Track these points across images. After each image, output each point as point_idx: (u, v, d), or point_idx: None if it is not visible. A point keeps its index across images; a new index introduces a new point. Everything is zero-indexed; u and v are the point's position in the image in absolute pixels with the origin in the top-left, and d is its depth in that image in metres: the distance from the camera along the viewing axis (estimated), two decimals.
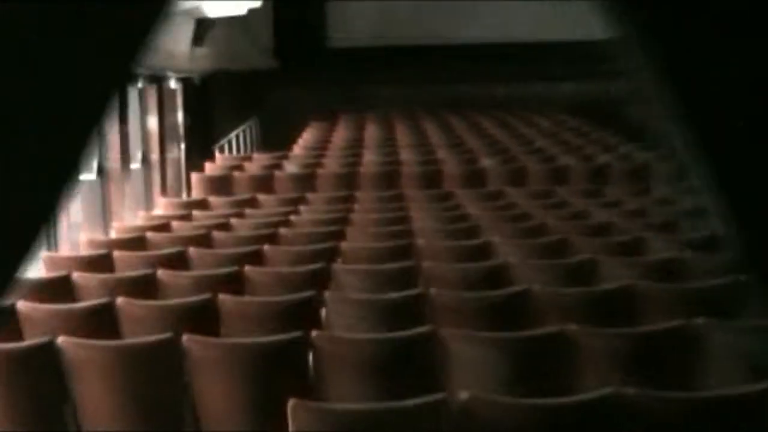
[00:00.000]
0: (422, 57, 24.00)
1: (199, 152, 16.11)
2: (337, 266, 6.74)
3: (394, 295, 5.64)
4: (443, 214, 9.75)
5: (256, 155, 15.99)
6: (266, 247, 7.59)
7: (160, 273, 6.49)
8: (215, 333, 5.31)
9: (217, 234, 8.57)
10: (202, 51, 17.83)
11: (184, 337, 4.54)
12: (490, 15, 24.08)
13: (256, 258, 7.32)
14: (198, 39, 17.27)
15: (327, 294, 5.66)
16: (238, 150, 18.96)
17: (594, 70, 23.22)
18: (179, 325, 5.21)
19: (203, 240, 8.31)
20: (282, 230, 8.67)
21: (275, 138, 19.73)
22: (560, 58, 23.12)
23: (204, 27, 17.01)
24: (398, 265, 6.72)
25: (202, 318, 5.47)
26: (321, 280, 6.46)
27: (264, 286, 6.42)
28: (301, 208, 10.60)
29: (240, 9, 17.65)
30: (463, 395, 3.61)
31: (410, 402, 3.60)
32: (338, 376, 4.50)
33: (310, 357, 4.57)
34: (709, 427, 3.69)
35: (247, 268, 6.58)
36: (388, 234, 8.43)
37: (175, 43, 15.37)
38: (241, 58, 22.86)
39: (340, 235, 8.36)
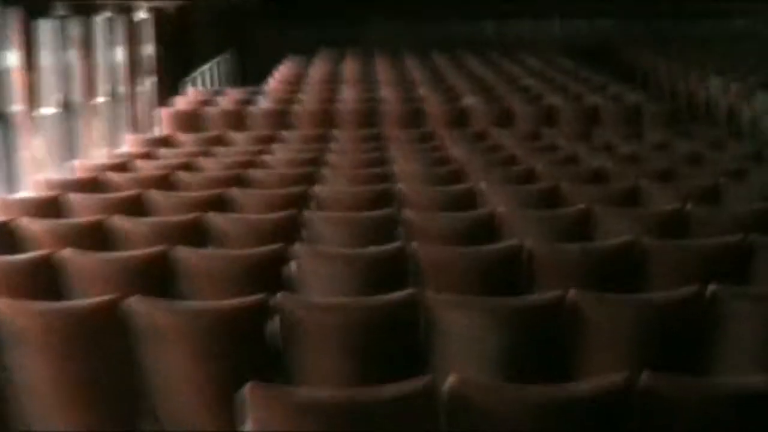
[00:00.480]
0: None
1: (172, 86, 15.41)
2: (310, 214, 6.13)
3: (372, 249, 5.04)
4: (426, 156, 9.13)
5: (229, 90, 15.26)
6: (233, 190, 6.97)
7: (113, 220, 5.87)
8: (170, 293, 4.72)
9: (181, 175, 7.92)
10: None
11: (129, 300, 3.94)
12: None
13: (222, 203, 6.70)
14: None
15: (297, 247, 5.05)
16: (211, 84, 18.22)
17: (585, 10, 23.05)
18: (129, 284, 4.62)
19: (165, 182, 7.66)
20: (251, 172, 8.03)
21: (252, 73, 19.01)
22: None
23: None
24: (377, 213, 6.11)
25: (156, 275, 4.86)
26: (292, 229, 5.87)
27: (228, 236, 5.80)
28: (274, 146, 9.95)
29: None
30: (452, 380, 3.04)
31: (389, 389, 3.03)
32: (307, 349, 3.91)
33: (277, 324, 3.98)
34: (733, 418, 3.14)
35: (210, 215, 5.96)
36: (366, 177, 7.82)
37: None
38: None
39: (314, 178, 7.75)
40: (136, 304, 3.96)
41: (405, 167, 8.21)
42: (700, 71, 16.04)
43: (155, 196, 6.85)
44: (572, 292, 3.93)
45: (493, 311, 3.94)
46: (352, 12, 23.06)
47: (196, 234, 5.79)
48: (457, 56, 18.73)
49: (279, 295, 4.01)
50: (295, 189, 7.10)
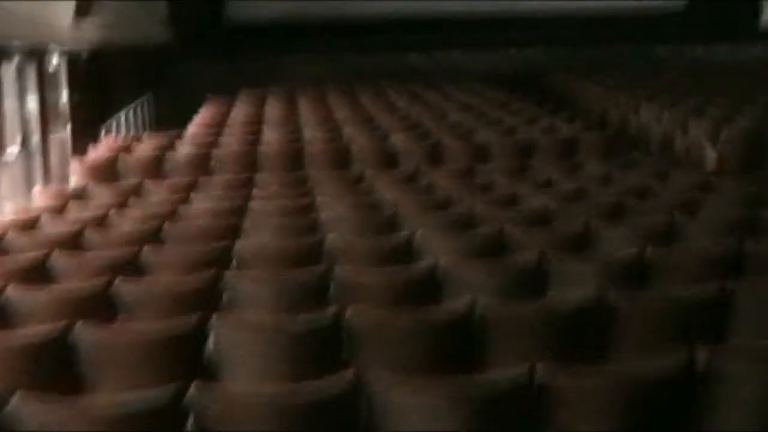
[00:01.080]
0: (329, 30, 22.71)
1: (89, 134, 14.66)
2: (232, 275, 5.47)
3: (303, 319, 4.40)
4: (356, 201, 8.52)
5: (147, 136, 14.55)
6: (147, 250, 6.28)
7: (8, 291, 5.17)
8: (68, 381, 4.05)
9: (91, 234, 7.21)
10: (88, 22, 16.35)
11: (15, 397, 3.27)
12: None
13: (134, 266, 6.03)
14: (82, 9, 15.77)
15: (216, 319, 4.40)
16: (129, 130, 17.47)
17: (512, 38, 22.71)
18: (21, 371, 3.95)
19: (74, 242, 6.95)
20: (168, 227, 7.34)
21: (173, 116, 18.28)
22: (477, 27, 22.16)
23: None
24: (307, 272, 5.47)
25: (52, 359, 4.19)
26: (212, 294, 5.22)
27: (139, 305, 5.13)
28: (194, 196, 9.27)
29: None
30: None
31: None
32: None
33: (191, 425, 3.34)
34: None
35: (119, 281, 5.28)
36: (293, 227, 7.19)
37: (55, 14, 13.86)
38: (135, 30, 21.29)
39: (237, 231, 7.10)
40: (23, 405, 3.30)
41: (334, 214, 7.60)
42: (631, 98, 15.71)
43: (60, 260, 6.15)
44: (540, 368, 3.34)
45: (449, 394, 3.34)
46: (274, 47, 22.46)
47: (103, 304, 5.12)
48: (382, 90, 18.21)
49: (193, 386, 3.37)
50: (215, 245, 6.44)
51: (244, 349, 4.23)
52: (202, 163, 11.52)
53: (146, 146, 12.80)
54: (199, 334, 4.34)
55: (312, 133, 13.14)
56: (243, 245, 6.39)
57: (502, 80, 19.84)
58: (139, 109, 19.54)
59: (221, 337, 4.29)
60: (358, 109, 15.85)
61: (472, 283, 5.09)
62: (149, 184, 10.21)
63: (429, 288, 5.16)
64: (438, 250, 5.97)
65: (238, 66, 22.27)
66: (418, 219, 7.12)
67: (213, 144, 12.46)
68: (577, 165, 10.33)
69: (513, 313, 4.37)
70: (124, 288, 5.24)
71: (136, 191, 9.98)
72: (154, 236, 7.03)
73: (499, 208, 7.70)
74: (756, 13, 22.94)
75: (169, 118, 18.89)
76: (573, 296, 4.51)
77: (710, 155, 12.05)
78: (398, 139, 12.10)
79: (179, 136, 13.54)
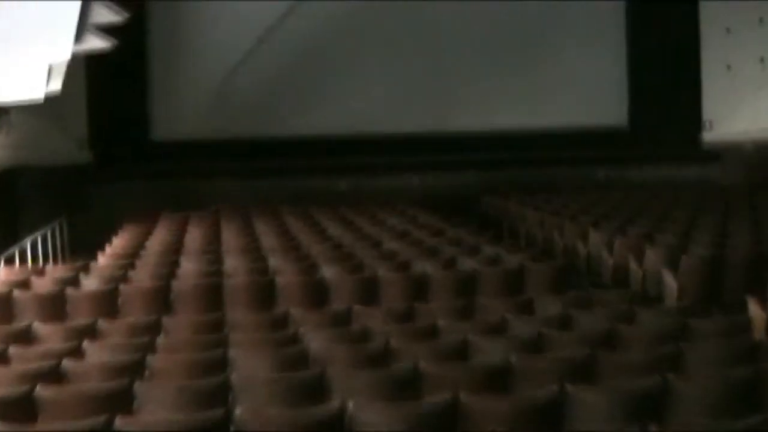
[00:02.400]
0: (256, 150, 21.84)
1: None
2: None
3: None
4: (278, 353, 7.24)
5: (50, 267, 13.18)
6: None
7: None
8: None
9: None
10: None
11: None
12: (330, 107, 22.06)
13: None
14: None
15: None
16: (36, 259, 16.09)
17: (443, 161, 21.89)
18: None
19: None
20: (40, 392, 5.99)
21: (91, 241, 16.94)
22: (408, 148, 21.39)
23: None
24: None
25: None
26: None
27: None
28: (87, 346, 7.89)
29: (35, 94, 14.87)
30: None
31: None
32: None
33: None
34: None
35: None
36: (197, 394, 5.91)
37: None
38: (49, 150, 20.15)
39: (126, 399, 5.80)
40: None
41: (250, 373, 6.33)
42: (576, 223, 14.78)
43: None
44: None
45: None
46: (198, 167, 21.41)
47: None
48: (311, 216, 17.07)
49: None
50: (95, 420, 5.13)
51: None
52: (107, 302, 10.23)
53: (46, 280, 11.44)
54: None
55: (234, 264, 11.93)
56: (131, 425, 5.08)
57: (437, 203, 18.89)
58: (49, 235, 18.16)
59: None
60: (286, 236, 14.68)
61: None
62: (40, 328, 8.85)
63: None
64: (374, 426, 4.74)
65: (161, 188, 21.16)
66: (348, 380, 5.89)
67: (122, 278, 11.15)
68: (527, 302, 9.20)
69: None
70: None
71: (27, 335, 8.64)
72: (30, 402, 5.71)
73: (448, 364, 6.50)
74: (698, 131, 22.53)
75: (87, 244, 17.57)
76: None
77: (671, 286, 11.12)
78: (329, 272, 10.93)
79: (86, 268, 12.20)
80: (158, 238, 15.08)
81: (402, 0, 22.08)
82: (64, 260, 16.52)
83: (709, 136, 22.52)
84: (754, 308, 8.45)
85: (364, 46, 22.45)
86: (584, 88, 22.83)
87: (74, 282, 11.17)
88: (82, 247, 17.95)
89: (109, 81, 21.05)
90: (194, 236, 15.10)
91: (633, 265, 12.27)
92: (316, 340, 7.45)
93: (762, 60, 21.09)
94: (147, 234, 15.77)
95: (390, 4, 22.05)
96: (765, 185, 19.51)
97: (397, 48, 22.44)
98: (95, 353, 7.68)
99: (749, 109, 21.51)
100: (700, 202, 17.25)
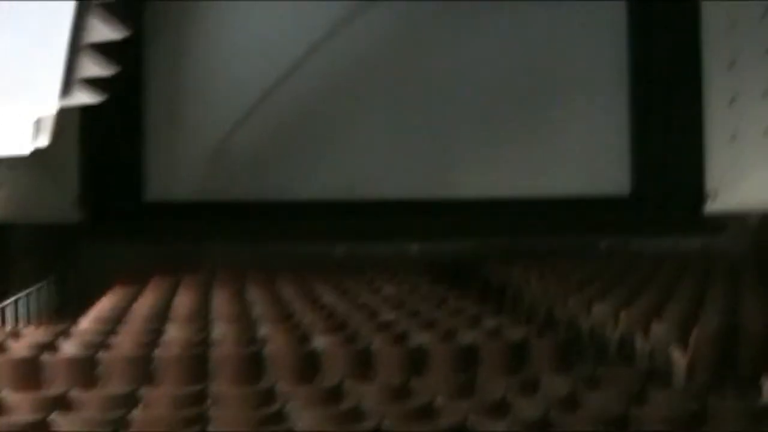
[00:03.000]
0: (252, 213, 21.34)
1: None
2: None
3: None
4: None
5: (29, 329, 12.60)
6: None
7: None
8: None
9: None
10: None
11: None
12: (330, 171, 21.67)
13: None
14: None
15: None
16: (24, 320, 15.56)
17: (443, 227, 21.44)
18: None
19: None
20: None
21: (79, 302, 16.40)
22: (407, 213, 20.94)
23: None
24: None
25: None
26: None
27: None
28: (55, 418, 7.29)
29: (22, 149, 14.39)
30: None
31: None
32: None
33: None
34: None
35: None
36: None
37: None
38: (41, 207, 19.66)
39: None
40: None
41: None
42: (581, 294, 14.25)
43: None
44: None
45: None
46: (192, 229, 20.90)
47: None
48: (306, 282, 16.52)
49: None
50: None
51: None
52: (84, 369, 9.65)
53: (22, 344, 10.86)
54: None
55: (223, 332, 11.38)
56: None
57: (435, 271, 18.36)
58: (37, 295, 17.62)
59: None
60: (279, 303, 14.13)
61: None
62: (9, 397, 8.26)
63: None
64: None
65: (154, 249, 20.61)
66: None
67: (102, 344, 10.58)
68: (531, 379, 8.63)
69: None
70: None
71: None
72: None
73: None
74: (700, 202, 22.04)
75: (76, 304, 17.03)
76: None
77: (680, 362, 10.58)
78: (321, 343, 10.37)
79: (66, 332, 11.63)
80: (146, 302, 14.54)
81: (404, 65, 21.87)
82: (48, 322, 15.92)
83: (712, 206, 22.04)
84: None
85: (365, 109, 22.14)
86: (586, 155, 22.48)
87: (51, 347, 10.61)
88: (70, 308, 17.39)
89: (104, 136, 20.69)
90: (184, 301, 14.55)
91: (639, 339, 11.75)
92: (303, 419, 6.91)
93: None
94: (135, 297, 15.23)
95: (392, 68, 21.84)
96: None
97: (398, 112, 22.13)
98: (64, 427, 7.10)
99: (754, 179, 21.05)
100: (706, 273, 16.71)
